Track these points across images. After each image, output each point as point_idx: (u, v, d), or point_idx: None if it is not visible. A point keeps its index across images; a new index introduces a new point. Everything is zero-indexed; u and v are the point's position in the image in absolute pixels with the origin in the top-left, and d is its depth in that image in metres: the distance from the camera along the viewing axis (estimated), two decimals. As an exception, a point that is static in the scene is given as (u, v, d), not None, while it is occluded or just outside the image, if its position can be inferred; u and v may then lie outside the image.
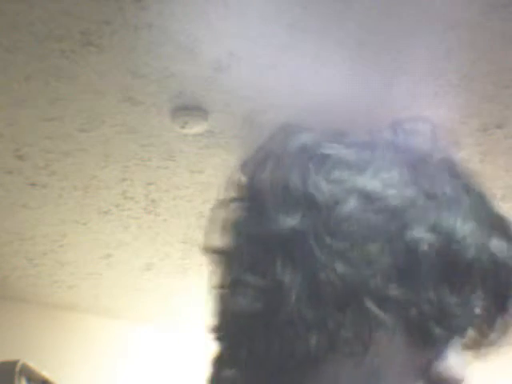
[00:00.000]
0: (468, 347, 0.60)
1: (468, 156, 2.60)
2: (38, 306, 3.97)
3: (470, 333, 0.59)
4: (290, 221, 0.56)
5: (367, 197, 0.56)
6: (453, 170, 0.61)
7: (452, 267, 0.54)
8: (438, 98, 2.35)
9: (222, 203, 0.63)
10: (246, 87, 2.31)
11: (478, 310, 0.57)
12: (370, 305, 0.53)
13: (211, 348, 0.61)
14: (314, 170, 0.58)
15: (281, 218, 0.57)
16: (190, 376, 4.24)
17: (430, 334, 0.54)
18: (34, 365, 3.06)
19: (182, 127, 2.48)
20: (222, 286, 0.60)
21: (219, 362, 0.60)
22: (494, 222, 0.59)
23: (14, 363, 2.93)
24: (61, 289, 3.85)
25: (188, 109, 2.41)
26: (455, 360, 0.56)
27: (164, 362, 4.23)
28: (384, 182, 0.57)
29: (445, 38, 2.10)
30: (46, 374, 3.15)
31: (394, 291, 0.53)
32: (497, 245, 0.56)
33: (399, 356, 0.55)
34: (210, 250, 0.62)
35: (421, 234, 0.54)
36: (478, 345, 0.60)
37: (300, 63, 2.21)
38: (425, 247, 0.54)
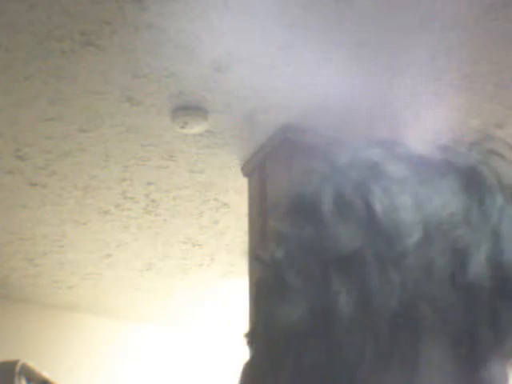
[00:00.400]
0: None
1: (468, 156, 2.60)
2: (38, 306, 3.97)
3: None
4: (354, 242, 0.55)
5: (433, 232, 0.55)
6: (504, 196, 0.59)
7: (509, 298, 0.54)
8: (438, 98, 2.35)
9: (280, 213, 0.62)
10: (246, 87, 2.31)
11: None
12: (421, 339, 0.53)
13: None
14: (379, 193, 0.57)
15: (344, 237, 0.56)
16: (190, 376, 4.25)
17: (476, 355, 0.54)
18: (33, 365, 3.06)
19: (182, 127, 2.48)
20: (270, 295, 0.60)
21: (258, 371, 0.60)
22: None
23: (14, 363, 2.93)
24: (61, 289, 3.85)
25: (188, 109, 2.41)
26: (503, 381, 0.56)
27: (164, 362, 4.23)
28: (449, 216, 0.55)
29: (445, 37, 2.10)
30: (45, 373, 3.15)
31: (447, 328, 0.53)
32: None
33: (448, 373, 0.55)
34: (260, 260, 0.61)
35: (481, 276, 0.54)
36: None
37: (300, 63, 2.21)
38: (485, 284, 0.53)
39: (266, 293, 0.59)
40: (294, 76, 2.26)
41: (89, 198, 2.96)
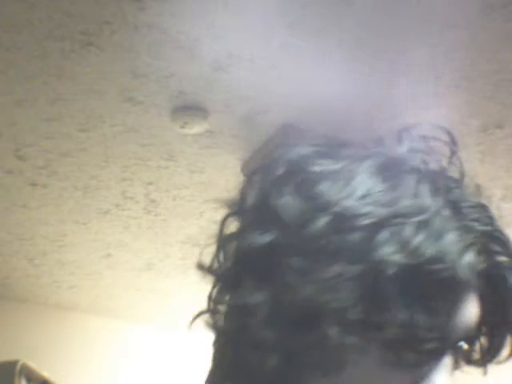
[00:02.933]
0: (474, 362, 0.60)
1: (468, 156, 2.60)
2: (38, 306, 3.97)
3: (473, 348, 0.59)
4: (262, 239, 0.56)
5: (339, 216, 0.54)
6: (444, 184, 0.59)
7: (423, 288, 0.53)
8: (437, 97, 2.35)
9: (225, 218, 0.63)
10: (245, 87, 2.31)
11: (462, 329, 0.56)
12: (334, 328, 0.52)
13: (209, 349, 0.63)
14: (292, 188, 0.57)
15: (254, 236, 0.57)
16: (190, 376, 4.24)
17: (402, 357, 0.53)
18: (33, 365, 3.06)
19: (182, 127, 2.48)
20: (211, 302, 0.61)
21: (211, 373, 0.61)
22: (474, 237, 0.57)
23: (13, 363, 2.93)
24: (61, 289, 3.85)
25: (188, 109, 2.41)
26: (441, 380, 0.55)
27: (164, 362, 4.23)
28: (359, 200, 0.55)
29: (445, 37, 2.10)
30: (45, 374, 3.15)
31: (359, 314, 0.52)
32: (472, 261, 0.55)
33: (379, 378, 0.54)
34: (200, 267, 0.63)
35: (389, 255, 0.52)
36: (482, 359, 0.60)
37: (300, 63, 2.21)
38: (393, 269, 0.52)
39: (210, 299, 0.62)
40: (294, 76, 2.26)
41: (89, 198, 2.96)
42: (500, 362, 0.60)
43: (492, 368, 0.62)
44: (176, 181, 2.84)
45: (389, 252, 0.53)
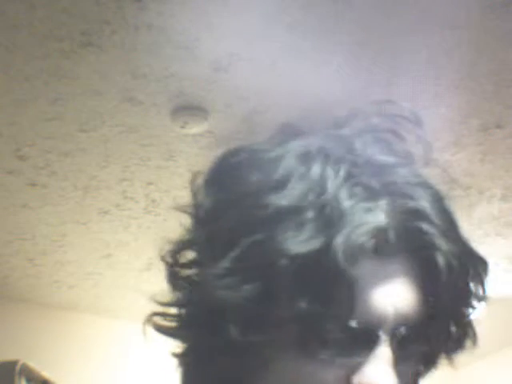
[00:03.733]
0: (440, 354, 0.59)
1: (468, 156, 2.60)
2: (38, 306, 3.97)
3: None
4: (194, 235, 0.58)
5: (246, 209, 0.54)
6: (385, 166, 0.56)
7: (314, 277, 0.51)
8: (437, 97, 2.35)
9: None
10: (245, 87, 2.31)
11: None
12: (233, 325, 0.52)
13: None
14: (222, 184, 0.58)
15: (192, 232, 0.59)
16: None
17: (318, 350, 0.52)
18: (33, 365, 3.06)
19: (182, 127, 2.48)
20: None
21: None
22: (411, 222, 0.54)
23: (13, 363, 2.93)
24: (61, 289, 3.85)
25: (188, 109, 2.41)
26: (375, 371, 0.53)
27: (164, 362, 4.23)
28: (262, 191, 0.54)
29: (445, 37, 2.10)
30: (45, 374, 3.15)
31: (257, 310, 0.51)
32: (403, 245, 0.53)
33: (307, 373, 0.53)
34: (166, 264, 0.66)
35: (288, 247, 0.51)
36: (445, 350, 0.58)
37: (300, 63, 2.21)
38: (284, 260, 0.51)
39: None
40: (294, 76, 2.26)
41: (89, 198, 2.96)
42: (464, 352, 0.59)
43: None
44: (176, 181, 2.84)
45: (283, 243, 0.52)
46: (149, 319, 0.61)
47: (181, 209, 0.61)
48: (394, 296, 0.53)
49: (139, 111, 2.42)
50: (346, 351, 0.53)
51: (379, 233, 0.53)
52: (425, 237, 0.54)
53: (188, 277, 0.56)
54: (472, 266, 0.57)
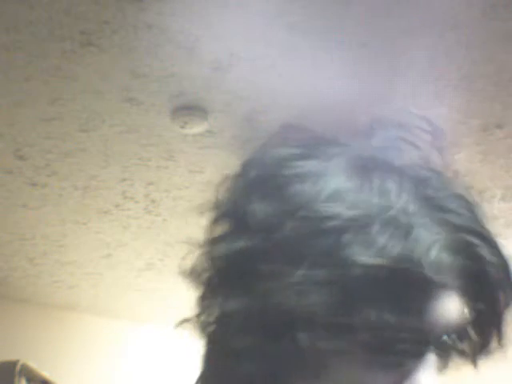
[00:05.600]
0: (464, 357, 0.59)
1: (468, 156, 2.60)
2: (38, 306, 3.97)
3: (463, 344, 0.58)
4: (233, 246, 0.56)
5: (306, 219, 0.54)
6: (411, 178, 0.58)
7: (391, 288, 0.52)
8: (438, 97, 2.35)
9: (207, 223, 0.63)
10: (246, 87, 2.31)
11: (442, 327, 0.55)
12: (317, 332, 0.52)
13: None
14: (262, 193, 0.57)
15: (235, 240, 0.56)
16: (190, 376, 4.24)
17: (381, 358, 0.53)
18: (33, 365, 3.06)
19: (182, 127, 2.48)
20: (195, 307, 0.62)
21: (198, 377, 0.62)
22: (446, 231, 0.56)
23: (13, 363, 2.93)
24: (61, 289, 3.85)
25: (188, 109, 2.41)
26: (426, 379, 0.54)
27: (164, 362, 4.23)
28: (326, 201, 0.54)
29: (445, 38, 2.10)
30: (45, 373, 3.15)
31: (329, 318, 0.52)
32: (440, 257, 0.54)
33: (361, 380, 0.54)
34: (185, 272, 0.64)
35: (356, 257, 0.52)
36: (472, 354, 0.59)
37: (300, 63, 2.21)
38: (360, 270, 0.52)
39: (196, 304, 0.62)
40: (294, 76, 2.26)
41: (89, 198, 2.96)
42: (489, 357, 0.60)
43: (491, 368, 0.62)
44: (176, 181, 2.84)
45: (355, 253, 0.52)
46: (186, 322, 0.60)
47: (220, 217, 0.60)
48: (453, 306, 0.55)
49: (139, 111, 2.42)
50: (406, 359, 0.54)
51: (451, 248, 0.55)
52: (476, 250, 0.56)
53: (248, 284, 0.55)
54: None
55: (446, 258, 0.54)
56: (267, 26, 2.06)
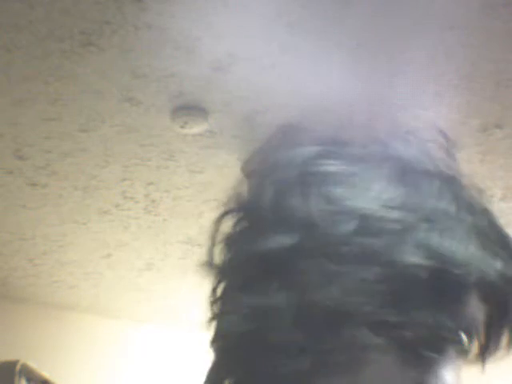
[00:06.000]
0: (474, 358, 0.60)
1: (468, 156, 2.60)
2: (38, 306, 3.97)
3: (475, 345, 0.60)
4: (287, 240, 0.55)
5: (365, 219, 0.55)
6: (458, 187, 0.60)
7: (448, 291, 0.54)
8: (438, 98, 2.35)
9: (223, 215, 0.62)
10: (245, 87, 2.31)
11: (475, 330, 0.57)
12: (361, 329, 0.53)
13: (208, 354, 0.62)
14: (314, 189, 0.57)
15: (278, 236, 0.56)
16: (190, 376, 4.24)
17: (422, 356, 0.54)
18: (33, 365, 3.06)
19: (182, 127, 2.48)
20: (216, 302, 0.60)
21: (215, 374, 0.60)
22: (496, 243, 0.58)
23: (13, 363, 2.93)
24: (61, 289, 3.85)
25: (188, 109, 2.41)
26: (451, 380, 0.56)
27: (164, 362, 4.23)
28: (384, 203, 0.56)
29: (445, 38, 2.10)
30: (45, 374, 3.15)
31: (387, 316, 0.53)
32: (500, 266, 0.56)
33: (393, 376, 0.55)
34: (206, 265, 0.62)
35: (417, 259, 0.53)
36: (481, 355, 0.60)
37: (300, 63, 2.21)
38: (420, 273, 0.53)
39: (214, 300, 0.60)
40: (293, 76, 2.26)
41: (89, 198, 2.96)
42: (498, 359, 0.61)
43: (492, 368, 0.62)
44: (176, 181, 2.84)
45: (416, 256, 0.54)
46: (211, 319, 0.60)
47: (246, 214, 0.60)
48: (480, 308, 0.57)
49: (139, 111, 2.42)
50: (432, 356, 0.55)
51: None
52: (505, 256, 0.58)
53: (291, 280, 0.55)
54: None
55: (477, 259, 0.56)
56: (267, 25, 2.06)
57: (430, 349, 0.54)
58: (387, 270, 0.53)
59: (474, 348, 0.59)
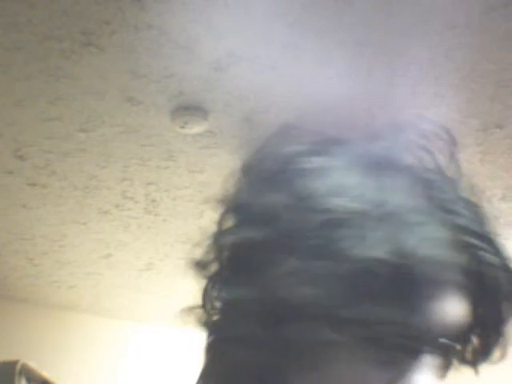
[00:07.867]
0: (466, 361, 0.60)
1: (468, 156, 2.60)
2: (38, 306, 3.97)
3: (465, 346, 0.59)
4: (253, 234, 0.57)
5: (330, 213, 0.54)
6: (437, 184, 0.59)
7: (413, 288, 0.53)
8: (438, 98, 2.35)
9: (216, 214, 0.64)
10: (245, 87, 2.31)
11: (451, 330, 0.55)
12: (322, 325, 0.53)
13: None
14: (287, 185, 0.58)
15: (246, 231, 0.57)
16: (190, 376, 4.24)
17: (393, 357, 0.53)
18: (33, 365, 3.06)
19: (182, 127, 2.48)
20: (201, 297, 0.62)
21: (202, 371, 0.62)
22: (454, 233, 0.56)
23: (14, 363, 2.93)
24: (61, 289, 3.85)
25: (188, 109, 2.41)
26: (422, 380, 0.55)
27: (164, 362, 4.23)
28: (351, 197, 0.55)
29: (445, 38, 2.10)
30: (45, 374, 3.15)
31: (348, 312, 0.52)
32: (449, 257, 0.55)
33: (362, 376, 0.54)
34: (192, 262, 0.64)
35: (380, 254, 0.52)
36: (474, 359, 0.60)
37: (300, 63, 2.21)
38: (383, 268, 0.52)
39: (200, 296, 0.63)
40: (293, 76, 2.26)
41: (89, 198, 2.96)
42: (492, 362, 0.60)
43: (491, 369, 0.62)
44: (176, 181, 2.84)
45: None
46: (189, 312, 0.61)
47: (226, 204, 0.61)
48: (451, 307, 0.55)
49: (139, 111, 2.42)
50: (401, 356, 0.54)
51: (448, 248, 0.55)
52: (478, 252, 0.56)
53: (249, 273, 0.56)
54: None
55: (445, 256, 0.54)
56: (267, 25, 2.06)
57: (399, 349, 0.53)
58: (349, 264, 0.53)
59: (463, 350, 0.58)
